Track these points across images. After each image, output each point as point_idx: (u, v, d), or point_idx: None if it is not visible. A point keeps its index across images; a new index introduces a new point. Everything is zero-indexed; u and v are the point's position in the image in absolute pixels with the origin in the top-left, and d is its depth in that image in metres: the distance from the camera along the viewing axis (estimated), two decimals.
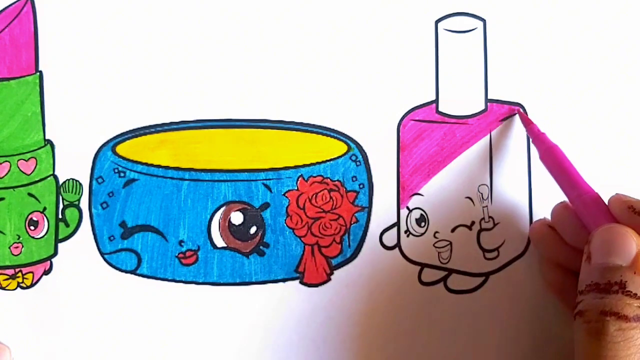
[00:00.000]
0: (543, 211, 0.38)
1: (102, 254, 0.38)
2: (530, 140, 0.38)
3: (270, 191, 0.38)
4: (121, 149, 0.38)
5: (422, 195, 0.38)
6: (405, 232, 0.38)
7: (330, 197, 0.38)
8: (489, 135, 0.38)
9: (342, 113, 0.38)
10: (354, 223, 0.38)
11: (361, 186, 0.38)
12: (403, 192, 0.38)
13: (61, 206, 0.38)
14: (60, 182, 0.38)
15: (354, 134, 0.38)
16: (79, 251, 0.38)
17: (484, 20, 0.39)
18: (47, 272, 0.38)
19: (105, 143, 0.38)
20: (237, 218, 0.38)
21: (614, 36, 0.39)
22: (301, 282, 0.38)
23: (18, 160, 0.38)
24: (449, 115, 0.38)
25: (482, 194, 0.38)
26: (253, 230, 0.38)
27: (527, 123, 0.37)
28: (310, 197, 0.38)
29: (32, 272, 0.38)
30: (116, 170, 0.38)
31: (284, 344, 0.38)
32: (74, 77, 0.38)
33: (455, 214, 0.38)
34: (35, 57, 0.38)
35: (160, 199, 0.38)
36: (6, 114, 0.38)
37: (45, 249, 0.38)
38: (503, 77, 0.39)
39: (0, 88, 0.38)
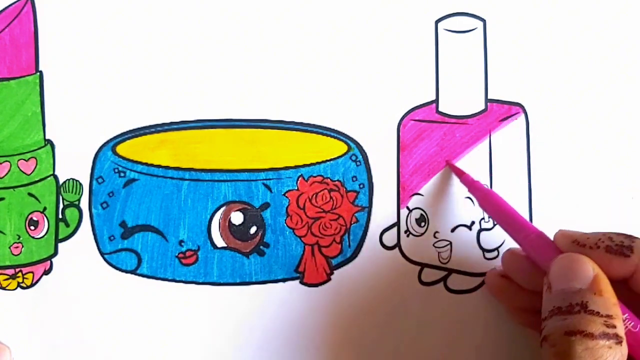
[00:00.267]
0: (543, 211, 0.38)
1: (102, 254, 0.38)
2: (467, 189, 0.37)
3: (271, 191, 0.38)
4: (121, 149, 0.38)
5: (422, 195, 0.38)
6: (405, 232, 0.38)
7: (331, 197, 0.38)
8: (488, 135, 0.38)
9: (342, 113, 0.38)
10: (354, 223, 0.38)
11: (361, 186, 0.38)
12: (403, 192, 0.38)
13: (61, 206, 0.38)
14: (61, 182, 0.38)
15: (354, 134, 0.38)
16: (79, 251, 0.38)
17: (484, 20, 0.39)
18: (47, 272, 0.38)
19: (105, 143, 0.38)
20: (237, 218, 0.38)
21: (614, 36, 0.39)
22: (301, 282, 0.38)
23: (18, 160, 0.38)
24: (449, 115, 0.38)
25: None
26: (253, 230, 0.38)
27: (460, 173, 0.37)
28: (310, 197, 0.38)
29: (32, 272, 0.38)
30: (116, 170, 0.38)
31: (284, 344, 0.38)
32: (74, 77, 0.38)
33: (455, 214, 0.38)
34: (35, 57, 0.38)
35: (161, 199, 0.38)
36: (6, 114, 0.38)
37: (45, 249, 0.38)
38: (503, 77, 0.39)
39: (0, 88, 0.38)
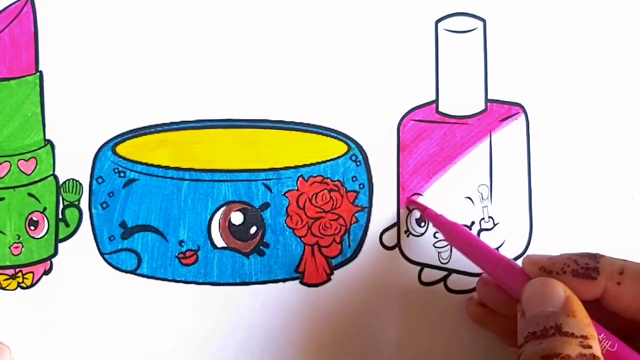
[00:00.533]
0: (543, 211, 0.38)
1: (102, 254, 0.38)
2: (432, 224, 0.37)
3: (270, 191, 0.38)
4: (121, 149, 0.38)
5: (422, 195, 0.38)
6: (405, 232, 0.38)
7: (331, 197, 0.38)
8: (489, 135, 0.38)
9: (342, 113, 0.38)
10: (354, 223, 0.38)
11: (361, 186, 0.38)
12: (403, 192, 0.38)
13: (61, 206, 0.38)
14: (61, 182, 0.38)
15: (354, 134, 0.38)
16: (79, 251, 0.38)
17: (484, 20, 0.39)
18: (47, 272, 0.38)
19: (105, 143, 0.38)
20: (237, 218, 0.38)
21: (614, 36, 0.39)
22: (301, 282, 0.38)
23: (18, 160, 0.38)
24: (449, 115, 0.38)
25: (482, 194, 0.38)
26: (253, 230, 0.38)
27: (423, 209, 0.37)
28: (310, 197, 0.38)
29: (32, 272, 0.38)
30: (116, 170, 0.38)
31: (284, 344, 0.38)
32: (74, 77, 0.38)
33: (455, 214, 0.38)
34: (35, 57, 0.38)
35: (160, 199, 0.38)
36: (6, 114, 0.38)
37: (45, 249, 0.38)
38: (503, 77, 0.39)
39: (0, 88, 0.38)
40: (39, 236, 0.38)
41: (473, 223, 0.38)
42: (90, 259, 0.38)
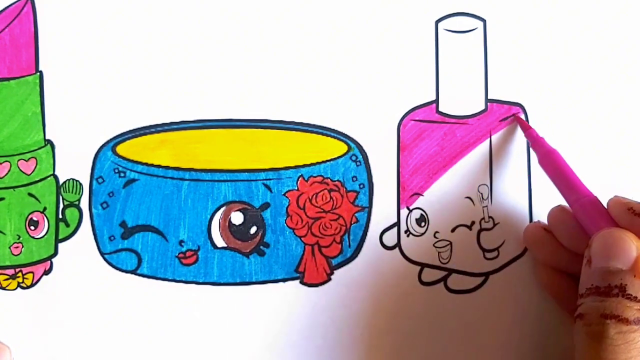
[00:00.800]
0: (543, 211, 0.38)
1: (102, 254, 0.38)
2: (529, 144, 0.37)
3: (271, 191, 0.38)
4: (121, 149, 0.38)
5: (422, 195, 0.38)
6: (405, 232, 0.38)
7: (331, 197, 0.38)
8: (489, 135, 0.38)
9: (342, 113, 0.38)
10: (354, 223, 0.38)
11: (361, 186, 0.38)
12: (403, 192, 0.38)
13: (61, 206, 0.38)
14: (61, 182, 0.38)
15: (354, 134, 0.38)
16: (79, 251, 0.38)
17: (484, 20, 0.39)
18: (47, 272, 0.38)
19: (105, 143, 0.38)
20: (237, 218, 0.38)
21: (614, 36, 0.39)
22: (301, 282, 0.38)
23: (18, 160, 0.38)
24: (449, 115, 0.38)
25: (482, 194, 0.38)
26: (253, 230, 0.38)
27: (526, 128, 0.37)
28: (310, 197, 0.38)
29: (32, 272, 0.38)
30: (116, 170, 0.38)
31: (284, 344, 0.38)
32: (74, 77, 0.38)
33: (455, 214, 0.38)
34: (35, 57, 0.38)
35: (161, 199, 0.38)
36: (6, 114, 0.38)
37: (45, 249, 0.38)
38: (503, 77, 0.39)
39: (0, 88, 0.38)
40: (39, 236, 0.38)
41: (473, 223, 0.38)
42: (90, 259, 0.38)
